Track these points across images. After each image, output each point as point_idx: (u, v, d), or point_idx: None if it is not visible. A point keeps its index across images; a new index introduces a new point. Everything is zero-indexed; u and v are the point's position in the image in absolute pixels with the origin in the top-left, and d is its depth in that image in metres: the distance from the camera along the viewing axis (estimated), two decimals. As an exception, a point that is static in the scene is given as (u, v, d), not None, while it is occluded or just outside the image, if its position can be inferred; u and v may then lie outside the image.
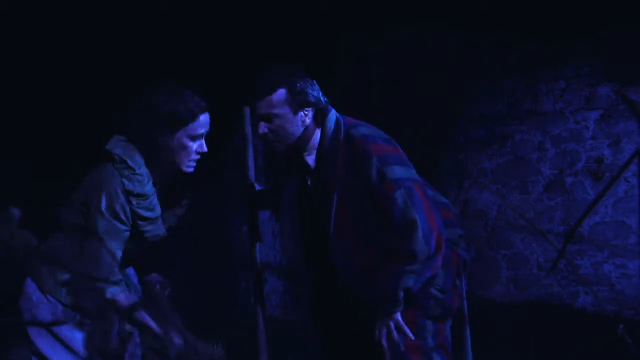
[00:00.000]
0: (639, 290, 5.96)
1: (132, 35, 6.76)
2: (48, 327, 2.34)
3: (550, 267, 6.35)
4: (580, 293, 6.36)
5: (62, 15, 6.52)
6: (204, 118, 2.40)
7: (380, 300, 2.24)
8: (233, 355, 5.02)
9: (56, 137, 7.78)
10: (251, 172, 2.65)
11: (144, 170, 2.37)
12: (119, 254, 2.35)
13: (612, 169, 6.26)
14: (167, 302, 2.49)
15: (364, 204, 2.24)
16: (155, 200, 2.41)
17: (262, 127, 2.33)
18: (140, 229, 2.39)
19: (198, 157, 2.43)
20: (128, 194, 2.32)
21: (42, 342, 2.36)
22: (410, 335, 2.23)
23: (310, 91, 2.30)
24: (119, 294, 2.33)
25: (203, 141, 2.43)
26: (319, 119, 2.34)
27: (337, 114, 2.38)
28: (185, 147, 2.38)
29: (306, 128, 2.32)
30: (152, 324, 2.32)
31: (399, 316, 2.24)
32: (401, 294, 2.20)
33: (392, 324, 2.24)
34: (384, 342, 2.24)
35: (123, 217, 2.33)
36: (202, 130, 2.40)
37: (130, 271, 2.61)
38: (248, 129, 2.62)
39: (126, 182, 2.33)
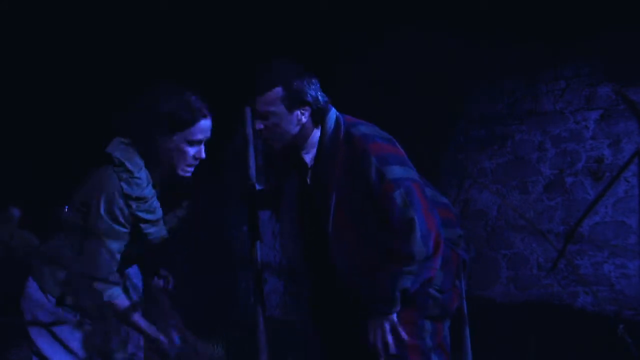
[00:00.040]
0: (639, 290, 5.96)
1: (132, 35, 6.76)
2: (48, 327, 2.34)
3: (550, 267, 6.35)
4: (580, 293, 6.36)
5: (62, 15, 6.52)
6: (204, 124, 2.38)
7: (376, 299, 2.23)
8: (233, 355, 5.02)
9: (56, 137, 7.78)
10: (252, 172, 2.65)
11: (143, 173, 2.36)
12: (117, 256, 2.35)
13: (612, 169, 6.26)
14: (167, 302, 2.50)
15: (363, 203, 2.23)
16: (155, 202, 2.40)
17: (258, 124, 2.34)
18: (142, 231, 2.39)
19: (196, 162, 2.41)
20: (126, 197, 2.32)
21: (43, 342, 2.36)
22: (405, 336, 2.23)
23: (308, 90, 2.29)
24: (117, 297, 2.32)
25: (202, 147, 2.40)
26: (318, 118, 2.33)
27: (338, 113, 2.37)
28: (182, 152, 2.37)
29: (303, 126, 2.31)
30: (148, 328, 2.32)
31: (394, 317, 2.23)
32: (398, 294, 2.19)
33: (387, 325, 2.23)
34: (378, 343, 2.23)
35: (122, 220, 2.33)
36: (201, 136, 2.38)
37: (132, 271, 2.61)
38: (249, 129, 2.62)
39: (124, 186, 2.32)
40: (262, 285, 2.59)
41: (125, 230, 2.34)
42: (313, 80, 2.33)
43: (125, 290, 2.45)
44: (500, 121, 6.97)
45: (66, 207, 2.48)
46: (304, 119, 2.31)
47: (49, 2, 6.36)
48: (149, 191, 2.37)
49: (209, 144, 2.46)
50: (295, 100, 2.28)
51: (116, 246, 2.34)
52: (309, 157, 2.36)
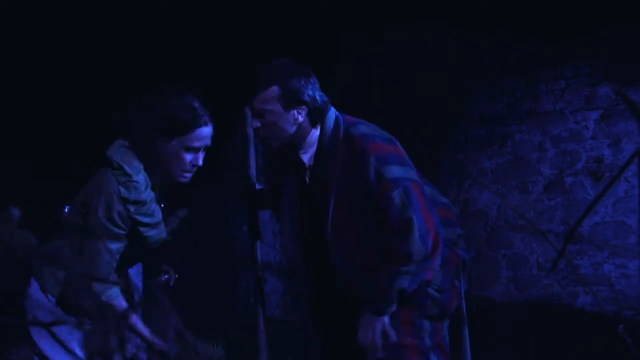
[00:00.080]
0: (639, 290, 5.96)
1: (133, 36, 6.76)
2: (48, 327, 2.34)
3: (550, 267, 6.35)
4: (580, 293, 6.36)
5: (62, 15, 6.52)
6: (203, 131, 2.36)
7: (372, 298, 2.23)
8: (233, 355, 5.02)
9: (56, 137, 7.78)
10: (252, 172, 2.65)
11: (141, 177, 2.36)
12: (116, 257, 2.35)
13: (612, 169, 6.26)
14: (167, 302, 2.50)
15: (363, 203, 2.23)
16: (154, 206, 2.40)
17: (255, 122, 2.35)
18: (142, 234, 2.39)
19: (193, 169, 2.40)
20: (125, 200, 2.32)
21: (44, 343, 2.37)
22: (394, 337, 2.22)
23: (305, 89, 2.29)
24: (115, 298, 2.33)
25: (200, 154, 2.39)
26: (316, 118, 2.33)
27: (337, 113, 2.37)
28: (179, 157, 2.36)
29: (299, 126, 2.31)
30: (144, 330, 2.32)
31: (387, 319, 2.23)
32: (395, 294, 2.19)
33: (378, 326, 2.22)
34: (367, 342, 2.23)
35: (120, 223, 2.33)
36: (199, 144, 2.37)
37: (132, 271, 2.61)
38: (249, 129, 2.62)
39: (122, 189, 2.32)
40: (262, 285, 2.58)
41: (123, 232, 2.34)
42: (311, 80, 2.33)
43: (126, 291, 2.45)
44: (500, 121, 6.97)
45: (67, 207, 2.48)
46: (300, 118, 2.30)
47: (49, 2, 6.36)
48: (147, 194, 2.37)
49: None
50: (291, 100, 2.28)
51: (115, 247, 2.34)
52: (306, 157, 2.36)
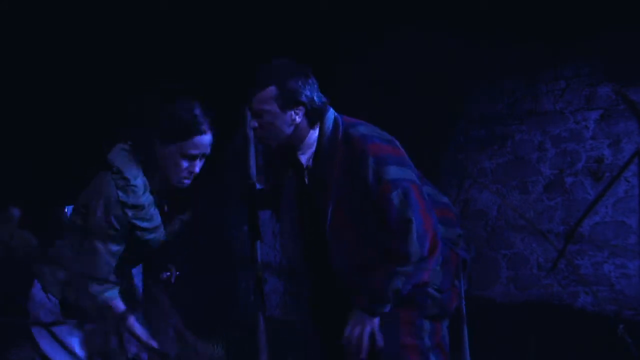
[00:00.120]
0: (639, 290, 5.96)
1: (133, 35, 6.76)
2: (48, 327, 2.35)
3: (550, 267, 6.36)
4: (580, 293, 6.36)
5: (62, 15, 6.52)
6: (200, 139, 2.35)
7: (365, 297, 2.23)
8: (233, 355, 5.02)
9: (56, 137, 7.78)
10: (252, 172, 2.65)
11: (139, 181, 2.36)
12: (115, 259, 2.36)
13: (612, 169, 6.26)
14: (167, 302, 2.50)
15: (362, 204, 2.23)
16: (152, 210, 2.39)
17: (253, 122, 2.35)
18: (140, 238, 2.39)
19: (190, 176, 2.40)
20: (123, 205, 2.32)
21: (44, 342, 2.38)
22: (380, 342, 2.22)
23: (303, 90, 2.29)
24: (112, 300, 2.33)
25: (196, 162, 2.38)
26: (314, 119, 2.33)
27: (336, 114, 2.37)
28: (176, 163, 2.36)
29: (297, 127, 2.31)
30: (141, 333, 2.33)
31: (377, 322, 2.23)
32: (390, 294, 2.19)
33: (368, 326, 2.22)
34: (353, 340, 2.22)
35: (118, 227, 2.33)
36: (195, 151, 2.36)
37: (133, 271, 2.61)
38: (249, 129, 2.61)
39: (121, 194, 2.33)
40: (262, 285, 2.58)
41: (121, 235, 2.35)
42: (310, 81, 2.32)
43: (126, 291, 2.46)
44: (500, 121, 6.97)
45: (67, 207, 2.49)
46: (298, 119, 2.30)
47: (49, 2, 6.36)
48: (145, 199, 2.36)
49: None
50: (289, 100, 2.28)
51: (113, 249, 2.34)
52: (304, 158, 2.36)
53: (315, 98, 2.31)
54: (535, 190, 6.70)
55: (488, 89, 7.07)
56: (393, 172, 2.19)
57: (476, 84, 7.10)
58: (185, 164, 2.36)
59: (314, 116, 2.32)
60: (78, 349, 2.36)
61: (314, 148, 2.35)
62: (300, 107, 2.29)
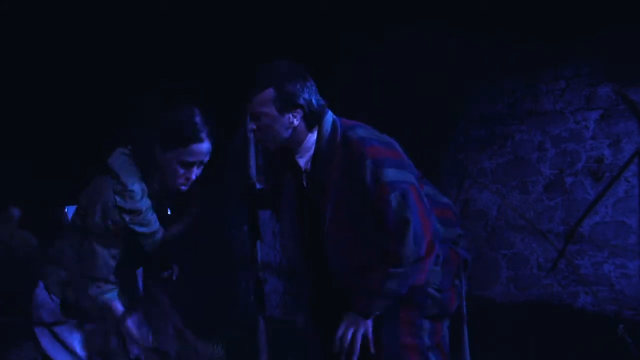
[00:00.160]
0: (639, 290, 5.96)
1: (133, 36, 6.76)
2: (50, 327, 2.36)
3: (550, 267, 6.36)
4: (580, 293, 6.36)
5: (62, 15, 6.52)
6: (197, 147, 2.35)
7: (360, 298, 2.23)
8: (233, 355, 5.02)
9: (56, 137, 7.78)
10: (252, 172, 2.65)
11: (137, 186, 2.37)
12: (112, 262, 2.36)
13: (612, 169, 6.26)
14: (167, 302, 2.50)
15: (360, 206, 2.24)
16: (149, 215, 2.40)
17: (251, 125, 2.35)
18: (138, 242, 2.39)
19: (186, 182, 2.40)
20: (120, 210, 2.33)
21: (46, 342, 2.39)
22: (372, 349, 2.23)
23: (301, 93, 2.29)
24: (110, 302, 2.34)
25: (193, 169, 2.38)
26: (313, 122, 2.33)
27: (334, 116, 2.37)
28: (173, 169, 2.37)
29: (295, 129, 2.31)
30: (138, 335, 2.33)
31: (370, 323, 2.23)
32: (383, 296, 2.20)
33: (361, 328, 2.22)
34: (345, 342, 2.23)
35: (115, 231, 2.34)
36: (192, 159, 2.36)
37: (133, 272, 2.61)
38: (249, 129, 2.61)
39: (118, 199, 2.34)
40: (262, 285, 2.58)
41: (119, 239, 2.36)
42: (308, 84, 2.32)
43: (126, 292, 2.46)
44: (500, 121, 6.97)
45: (67, 207, 2.51)
46: (295, 122, 2.30)
47: (49, 2, 6.36)
48: (142, 204, 2.37)
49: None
50: (286, 103, 2.28)
51: (111, 253, 2.35)
52: (303, 161, 2.36)
53: (313, 101, 2.31)
54: (535, 190, 6.70)
55: (488, 89, 7.07)
56: (391, 174, 2.19)
57: (476, 84, 7.10)
58: (182, 170, 2.37)
59: (312, 119, 2.32)
60: (79, 349, 2.37)
61: (312, 151, 2.34)
62: (298, 110, 2.29)
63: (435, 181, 2.78)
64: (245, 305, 6.98)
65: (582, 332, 5.02)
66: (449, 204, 2.44)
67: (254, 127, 2.33)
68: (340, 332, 2.24)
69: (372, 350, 2.23)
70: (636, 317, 5.87)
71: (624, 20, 6.00)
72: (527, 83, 6.85)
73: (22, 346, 4.84)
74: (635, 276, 6.01)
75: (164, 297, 2.54)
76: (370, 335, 2.23)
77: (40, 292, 2.43)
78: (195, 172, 2.39)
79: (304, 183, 2.39)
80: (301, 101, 2.28)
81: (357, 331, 2.22)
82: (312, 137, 2.34)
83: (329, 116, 2.35)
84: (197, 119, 2.35)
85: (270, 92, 2.28)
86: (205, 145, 2.37)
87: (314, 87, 2.33)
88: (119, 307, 2.36)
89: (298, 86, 2.28)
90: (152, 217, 2.40)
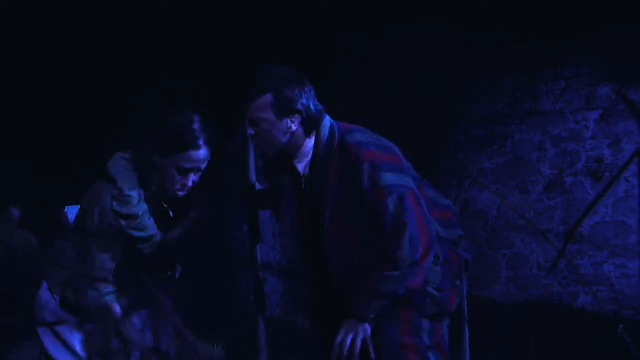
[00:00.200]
0: (639, 290, 5.96)
1: (133, 36, 6.77)
2: (52, 326, 2.37)
3: (550, 267, 6.36)
4: (580, 293, 6.36)
5: (62, 15, 6.53)
6: (194, 154, 2.35)
7: (356, 303, 2.24)
8: (233, 355, 5.02)
9: (56, 137, 7.79)
10: (252, 172, 2.65)
11: (134, 191, 2.37)
12: (110, 265, 2.37)
13: (612, 169, 6.26)
14: (167, 302, 2.50)
15: (358, 209, 2.24)
16: (146, 220, 2.40)
17: (250, 130, 2.35)
18: (134, 247, 2.40)
19: (183, 189, 2.40)
20: (117, 214, 2.35)
21: (49, 342, 2.40)
22: (372, 355, 2.23)
23: (299, 98, 2.29)
24: (109, 304, 2.35)
25: (190, 176, 2.38)
26: (311, 127, 2.33)
27: (332, 121, 2.38)
28: (170, 176, 2.37)
29: (293, 135, 2.31)
30: (136, 337, 2.34)
31: (368, 327, 2.24)
32: (379, 299, 2.20)
33: (360, 334, 2.23)
34: (344, 349, 2.23)
35: (112, 235, 2.36)
36: (188, 165, 2.36)
37: (133, 273, 2.62)
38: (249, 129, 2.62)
39: (115, 203, 2.35)
40: (262, 285, 2.59)
41: (116, 243, 2.37)
42: (306, 89, 2.32)
43: (126, 292, 2.46)
44: (500, 121, 6.97)
45: (67, 207, 2.53)
46: (294, 127, 2.31)
47: (49, 2, 6.36)
48: (139, 209, 2.37)
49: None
50: (285, 108, 2.28)
51: (110, 256, 2.37)
52: (301, 166, 2.37)
53: (311, 106, 2.31)
54: (535, 190, 6.70)
55: (488, 89, 7.07)
56: (389, 178, 2.20)
57: (476, 84, 7.10)
58: (178, 177, 2.37)
59: (310, 124, 2.32)
60: (80, 349, 2.38)
61: (310, 156, 2.35)
62: (297, 115, 2.30)
63: (436, 181, 2.78)
64: (245, 305, 6.98)
65: (582, 332, 5.02)
66: (449, 205, 2.45)
67: (253, 132, 2.34)
68: (339, 338, 2.25)
69: (373, 356, 2.24)
70: (636, 317, 5.87)
71: (624, 20, 6.00)
72: (527, 83, 6.85)
73: (22, 346, 4.84)
74: (635, 276, 6.01)
75: (164, 297, 2.55)
76: (369, 341, 2.24)
77: (44, 293, 2.45)
78: (193, 179, 2.40)
79: (303, 187, 2.40)
80: (299, 106, 2.29)
81: (357, 336, 2.23)
82: (310, 142, 2.35)
83: (327, 121, 2.36)
84: (196, 126, 2.35)
85: (268, 98, 2.29)
86: (202, 153, 2.37)
87: (312, 93, 2.34)
88: (117, 310, 2.37)
89: (296, 91, 2.29)
90: (149, 221, 2.41)
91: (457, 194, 7.01)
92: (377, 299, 2.21)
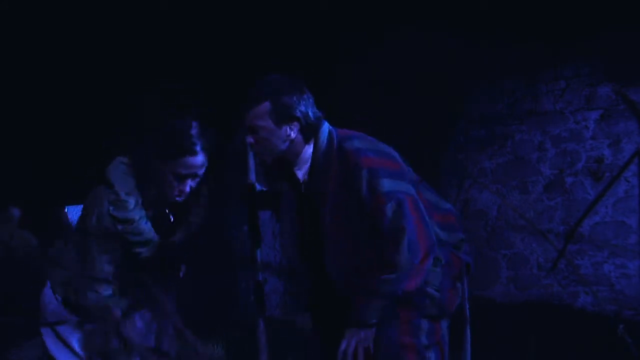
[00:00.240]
0: (639, 290, 5.96)
1: (133, 36, 6.77)
2: (53, 326, 2.38)
3: (550, 267, 6.36)
4: (580, 293, 6.36)
5: (62, 15, 6.53)
6: (190, 160, 2.36)
7: (355, 309, 2.25)
8: (233, 355, 5.03)
9: (56, 137, 7.79)
10: (252, 173, 2.65)
11: (130, 196, 2.38)
12: (108, 267, 2.38)
13: (612, 169, 6.26)
14: (167, 302, 2.51)
15: (357, 215, 2.25)
16: (142, 224, 2.41)
17: (249, 138, 2.35)
18: (132, 250, 2.40)
19: (180, 195, 2.41)
20: (114, 219, 2.36)
21: (50, 342, 2.41)
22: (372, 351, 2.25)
23: (297, 105, 2.30)
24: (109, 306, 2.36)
25: (187, 182, 2.39)
26: (309, 134, 2.34)
27: (330, 127, 2.38)
28: (167, 181, 2.38)
29: (292, 142, 2.32)
30: (135, 339, 2.35)
31: (370, 334, 2.25)
32: (378, 305, 2.21)
33: (363, 342, 2.24)
34: (348, 357, 2.24)
35: (109, 239, 2.36)
36: (185, 171, 2.36)
37: (132, 274, 2.63)
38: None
39: (112, 208, 2.36)
40: (262, 285, 2.59)
41: (114, 247, 2.37)
42: (304, 96, 2.33)
43: (126, 292, 2.47)
44: (500, 121, 6.97)
45: (67, 207, 2.53)
46: (292, 135, 2.31)
47: (49, 2, 6.36)
48: (135, 213, 2.38)
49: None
50: (283, 115, 2.29)
51: (108, 260, 2.38)
52: (301, 173, 2.38)
53: (309, 113, 2.32)
54: (535, 190, 6.70)
55: (488, 89, 7.07)
56: (387, 184, 2.21)
57: (476, 84, 7.10)
58: (175, 182, 2.38)
59: (309, 131, 2.33)
60: (79, 349, 2.39)
61: (309, 163, 2.36)
62: (295, 123, 2.30)
63: (436, 181, 2.79)
64: (245, 305, 6.98)
65: (582, 332, 5.02)
66: (450, 209, 2.46)
67: (252, 140, 2.34)
68: (343, 346, 2.26)
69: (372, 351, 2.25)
70: (636, 317, 5.87)
71: (624, 20, 6.00)
72: (527, 83, 6.85)
73: (22, 346, 4.84)
74: (635, 276, 6.01)
75: (164, 297, 2.55)
76: (372, 347, 2.25)
77: (48, 292, 2.46)
78: (190, 185, 2.40)
79: (303, 193, 2.40)
80: (298, 114, 2.29)
81: (360, 344, 2.24)
82: (309, 149, 2.36)
83: (325, 127, 2.36)
84: (194, 131, 2.36)
85: (266, 105, 2.29)
86: (199, 159, 2.37)
87: (310, 100, 2.34)
88: (117, 313, 2.38)
89: (294, 99, 2.30)
90: (146, 226, 2.41)
91: (457, 194, 7.01)
92: (376, 300, 2.21)
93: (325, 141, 2.33)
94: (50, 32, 6.70)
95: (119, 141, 2.50)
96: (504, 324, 5.29)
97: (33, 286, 2.55)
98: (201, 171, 2.41)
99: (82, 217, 2.43)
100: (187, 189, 2.40)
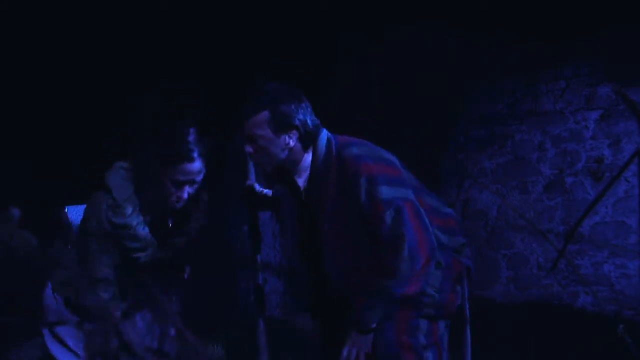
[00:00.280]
0: (639, 290, 5.96)
1: (133, 36, 6.77)
2: (53, 326, 2.39)
3: (550, 267, 6.36)
4: (580, 293, 6.36)
5: (62, 15, 6.53)
6: (188, 167, 2.36)
7: (355, 315, 2.25)
8: (233, 355, 5.03)
9: (56, 137, 7.79)
10: (252, 173, 2.65)
11: (128, 202, 2.39)
12: (107, 271, 2.38)
13: (612, 169, 6.26)
14: (167, 302, 2.51)
15: (356, 222, 2.26)
16: (140, 230, 2.41)
17: (248, 147, 2.35)
18: (130, 256, 2.41)
19: (179, 200, 2.41)
20: (112, 225, 2.37)
21: (51, 342, 2.41)
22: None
23: (295, 114, 2.30)
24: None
25: (185, 188, 2.39)
26: (308, 142, 2.34)
27: (329, 134, 2.38)
28: (166, 187, 2.39)
29: (291, 150, 2.32)
30: (134, 340, 2.35)
31: (369, 339, 2.25)
32: (378, 310, 2.22)
33: (364, 347, 2.25)
34: None
35: (108, 244, 2.37)
36: (182, 178, 2.37)
37: (133, 274, 2.63)
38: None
39: (110, 213, 2.37)
40: (262, 285, 2.59)
41: (113, 251, 2.38)
42: (303, 104, 2.33)
43: (126, 293, 2.47)
44: (500, 121, 6.97)
45: (67, 207, 2.55)
46: (291, 143, 2.31)
47: (49, 2, 6.36)
48: (133, 219, 2.39)
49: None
50: (282, 124, 2.29)
51: (108, 263, 2.38)
52: (301, 181, 2.38)
53: (308, 121, 2.32)
54: (535, 190, 6.70)
55: (488, 89, 7.07)
56: (385, 191, 2.21)
57: (476, 84, 7.10)
58: (173, 189, 2.38)
59: (308, 139, 2.33)
60: (80, 349, 2.39)
61: (309, 171, 2.36)
62: (294, 131, 2.30)
63: (436, 181, 2.78)
64: (245, 305, 6.98)
65: (582, 332, 5.02)
66: (451, 214, 2.46)
67: (251, 150, 2.34)
68: (345, 353, 2.26)
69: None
70: (636, 317, 5.87)
71: (624, 20, 6.00)
72: (527, 83, 6.85)
73: (22, 346, 4.84)
74: (635, 276, 6.01)
75: (165, 298, 2.55)
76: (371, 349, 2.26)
77: (49, 292, 2.46)
78: (188, 191, 2.40)
79: (302, 199, 2.41)
80: (296, 122, 2.29)
81: (361, 350, 2.24)
82: (309, 156, 2.36)
83: (324, 135, 2.36)
84: (192, 137, 2.37)
85: (265, 114, 2.29)
86: (196, 165, 2.38)
87: (309, 108, 2.34)
88: (117, 313, 2.38)
89: (293, 107, 2.30)
90: (143, 232, 2.41)
91: (457, 194, 7.01)
92: (377, 304, 2.22)
93: (323, 149, 2.34)
94: (50, 32, 6.70)
95: (119, 142, 2.50)
96: (504, 324, 5.29)
97: (33, 286, 2.55)
98: (199, 177, 2.41)
99: (83, 221, 2.44)
100: (185, 195, 2.40)
